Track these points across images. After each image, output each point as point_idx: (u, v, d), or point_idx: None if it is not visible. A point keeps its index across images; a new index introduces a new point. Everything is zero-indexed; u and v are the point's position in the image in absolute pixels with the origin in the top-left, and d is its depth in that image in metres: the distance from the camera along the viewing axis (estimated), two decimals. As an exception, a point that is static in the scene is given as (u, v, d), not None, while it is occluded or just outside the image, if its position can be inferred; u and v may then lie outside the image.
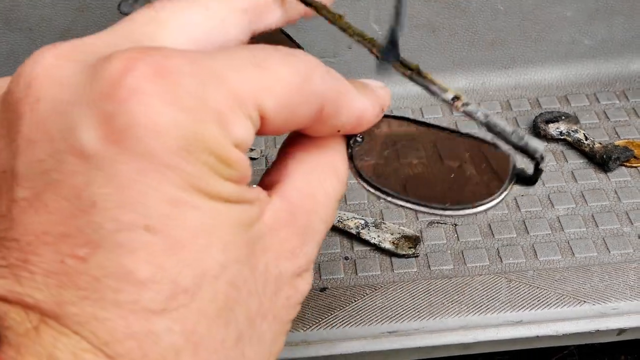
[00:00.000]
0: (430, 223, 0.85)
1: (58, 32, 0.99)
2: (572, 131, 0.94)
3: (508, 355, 0.98)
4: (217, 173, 0.33)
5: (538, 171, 0.45)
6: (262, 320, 0.36)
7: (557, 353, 0.96)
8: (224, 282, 0.33)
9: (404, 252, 0.81)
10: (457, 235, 0.84)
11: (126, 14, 0.66)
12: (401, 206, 0.46)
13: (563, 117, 0.96)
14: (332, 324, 0.75)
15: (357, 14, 1.00)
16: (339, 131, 0.41)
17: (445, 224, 0.85)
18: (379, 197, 0.47)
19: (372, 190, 0.46)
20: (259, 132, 0.36)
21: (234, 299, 0.34)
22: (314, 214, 0.39)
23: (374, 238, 0.82)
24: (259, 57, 0.36)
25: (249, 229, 0.35)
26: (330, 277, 0.80)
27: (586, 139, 0.92)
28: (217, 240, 0.33)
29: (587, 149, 0.92)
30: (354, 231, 0.83)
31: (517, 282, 0.78)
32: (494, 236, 0.83)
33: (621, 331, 0.75)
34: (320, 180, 0.40)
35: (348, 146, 0.46)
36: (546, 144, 0.95)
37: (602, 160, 0.90)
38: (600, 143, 0.92)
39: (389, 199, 0.46)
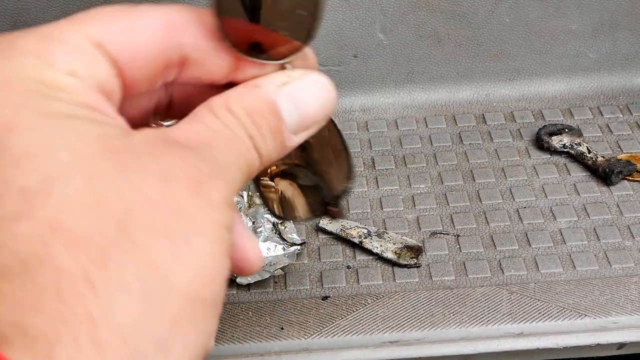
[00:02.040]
0: (433, 233, 0.86)
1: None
2: (575, 144, 0.94)
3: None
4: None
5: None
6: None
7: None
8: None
9: (406, 262, 0.82)
10: (459, 246, 0.84)
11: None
12: None
13: (566, 130, 0.96)
14: (333, 332, 0.76)
15: (364, 23, 1.00)
16: None
17: (448, 234, 0.85)
18: None
19: None
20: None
21: None
22: None
23: (377, 247, 0.82)
24: None
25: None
26: (332, 285, 0.81)
27: (589, 152, 0.93)
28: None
29: (589, 162, 0.92)
30: (356, 240, 0.83)
31: (519, 294, 0.78)
32: (496, 248, 0.84)
33: (621, 345, 0.76)
34: None
35: None
36: (549, 156, 0.95)
37: (604, 174, 0.90)
38: (603, 156, 0.92)
39: None
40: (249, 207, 0.87)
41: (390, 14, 1.00)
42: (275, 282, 0.81)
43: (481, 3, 1.00)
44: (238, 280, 0.80)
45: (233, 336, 0.76)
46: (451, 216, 0.88)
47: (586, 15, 1.01)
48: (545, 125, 0.98)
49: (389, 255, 0.82)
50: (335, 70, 1.04)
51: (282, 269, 0.81)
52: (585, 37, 1.03)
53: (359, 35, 1.02)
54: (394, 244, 0.83)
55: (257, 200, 0.88)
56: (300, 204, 0.48)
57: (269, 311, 0.78)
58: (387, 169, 0.95)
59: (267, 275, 0.80)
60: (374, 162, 0.96)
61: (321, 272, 0.82)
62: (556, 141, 0.95)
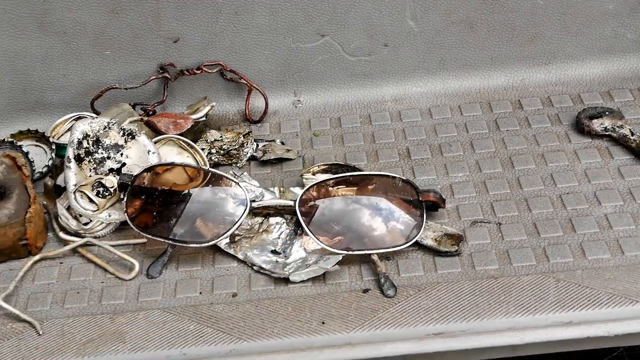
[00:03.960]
0: (474, 222, 0.83)
1: (92, 35, 0.98)
2: (617, 127, 0.91)
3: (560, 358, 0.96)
4: None
5: None
6: None
7: (605, 355, 0.93)
8: None
9: (446, 249, 0.79)
10: (502, 235, 0.82)
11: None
12: None
13: (607, 113, 0.94)
14: (376, 325, 0.74)
15: (394, 11, 0.98)
16: None
17: (489, 222, 0.83)
18: None
19: None
20: None
21: None
22: None
23: (416, 237, 0.80)
24: None
25: None
26: (372, 278, 0.78)
27: (632, 134, 0.90)
28: None
29: (633, 145, 0.89)
30: (395, 231, 0.81)
31: (566, 282, 0.76)
32: (539, 235, 0.81)
33: (674, 331, 0.73)
34: None
35: None
36: (590, 140, 0.92)
37: (649, 156, 0.87)
38: (646, 138, 0.89)
39: None
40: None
41: (420, 1, 0.98)
42: (316, 276, 0.79)
43: (514, -14, 0.97)
44: (291, 277, 0.78)
45: (273, 331, 0.74)
46: (492, 204, 0.85)
47: (623, -6, 0.99)
48: (584, 109, 0.95)
49: (429, 242, 0.80)
50: (365, 61, 1.02)
51: (338, 263, 0.79)
52: (622, 17, 1.00)
53: (389, 24, 0.99)
54: (434, 232, 0.81)
55: (290, 195, 0.86)
56: None
57: (308, 306, 0.76)
58: (423, 159, 0.93)
59: (321, 272, 0.78)
60: (409, 152, 0.94)
61: (360, 265, 0.80)
62: (597, 124, 0.92)
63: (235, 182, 0.83)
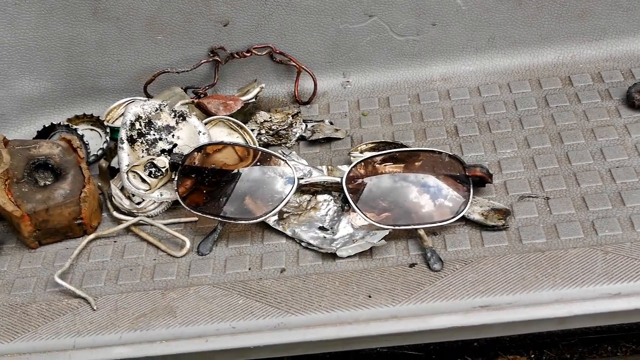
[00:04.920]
0: (521, 197, 0.83)
1: (145, 20, 1.00)
2: (669, 100, 0.90)
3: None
4: None
5: None
6: None
7: None
8: None
9: (493, 223, 0.79)
10: (550, 209, 0.81)
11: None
12: None
13: (658, 87, 0.93)
14: (422, 299, 0.74)
15: (441, -11, 0.98)
16: None
17: (537, 197, 0.83)
18: None
19: None
20: None
21: None
22: None
23: (463, 212, 0.80)
24: None
25: None
26: (419, 252, 0.79)
27: (684, 107, 0.89)
28: None
29: (685, 118, 0.88)
30: (442, 206, 0.81)
31: (614, 255, 0.75)
32: (588, 209, 0.81)
33: None
34: None
35: None
36: (641, 114, 0.92)
37: (701, 129, 0.86)
38: (699, 111, 0.88)
39: None
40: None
41: (468, -22, 0.98)
42: (363, 251, 0.79)
43: (563, -39, 0.96)
44: (339, 253, 0.79)
45: (320, 305, 0.75)
46: (540, 179, 0.85)
47: (675, -33, 0.97)
48: (635, 83, 0.94)
49: (476, 217, 0.80)
50: (413, 40, 1.02)
51: (384, 239, 0.79)
52: (674, -10, 0.99)
53: (437, 3, 1.00)
54: (481, 207, 0.81)
55: (338, 173, 0.87)
56: None
57: (355, 280, 0.77)
58: (471, 136, 0.93)
59: (368, 247, 0.79)
60: (457, 130, 0.94)
61: (407, 240, 0.80)
62: (647, 98, 0.91)
63: (283, 160, 0.84)
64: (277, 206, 0.82)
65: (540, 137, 0.91)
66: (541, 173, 0.86)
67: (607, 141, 0.89)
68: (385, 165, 0.84)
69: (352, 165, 0.83)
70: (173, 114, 0.91)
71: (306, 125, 0.96)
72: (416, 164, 0.84)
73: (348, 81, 1.03)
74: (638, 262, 0.74)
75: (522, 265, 0.76)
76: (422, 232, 0.79)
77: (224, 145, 0.87)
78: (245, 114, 0.97)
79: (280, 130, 0.95)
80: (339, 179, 0.83)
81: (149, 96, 1.02)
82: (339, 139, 0.95)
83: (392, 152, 0.84)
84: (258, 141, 0.94)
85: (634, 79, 0.97)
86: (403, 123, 0.97)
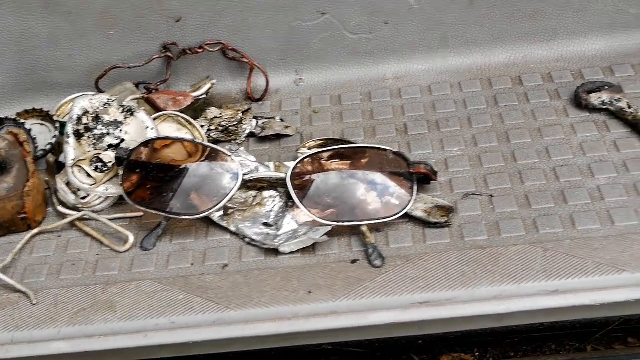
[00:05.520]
0: (466, 195, 0.83)
1: (97, 15, 1.00)
2: (615, 100, 0.91)
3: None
4: None
5: None
6: None
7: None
8: None
9: (435, 220, 0.80)
10: (493, 207, 0.82)
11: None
12: None
13: (606, 87, 0.93)
14: (362, 294, 0.74)
15: (394, -12, 0.98)
16: None
17: (481, 195, 0.83)
18: None
19: None
20: None
21: None
22: None
23: (407, 209, 0.81)
24: None
25: None
26: (362, 249, 0.79)
27: (629, 107, 0.89)
28: None
29: (630, 118, 0.89)
30: (386, 203, 0.81)
31: (554, 252, 0.76)
32: (531, 206, 0.81)
33: (664, 301, 0.72)
34: None
35: None
36: (588, 114, 0.92)
37: (645, 129, 0.87)
38: (643, 111, 0.89)
39: None
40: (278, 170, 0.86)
41: (420, -23, 0.98)
42: (305, 247, 0.79)
43: (513, -39, 0.97)
44: (281, 248, 0.79)
45: (260, 301, 0.75)
46: (485, 177, 0.85)
47: (624, -32, 0.98)
48: (583, 84, 0.94)
49: (419, 213, 0.80)
50: (366, 39, 1.02)
51: (327, 235, 0.79)
52: (624, -8, 0.99)
53: (390, 1, 1.00)
54: (425, 204, 0.81)
55: (284, 169, 0.87)
56: None
57: (297, 276, 0.77)
58: (420, 134, 0.93)
59: (310, 243, 0.79)
60: (406, 128, 0.94)
61: (350, 237, 0.80)
62: (594, 98, 0.92)
63: (229, 155, 0.84)
64: (220, 202, 0.81)
65: (488, 136, 0.91)
66: (487, 171, 0.86)
67: (553, 140, 0.89)
68: (331, 162, 0.84)
69: (296, 161, 0.83)
70: (121, 109, 0.90)
71: (257, 122, 0.96)
72: (362, 161, 0.84)
73: (301, 79, 1.03)
74: (576, 260, 0.74)
75: (462, 262, 0.76)
76: (364, 229, 0.79)
77: (169, 140, 0.87)
78: (196, 110, 0.97)
79: (230, 126, 0.95)
80: (284, 175, 0.83)
81: (100, 91, 1.01)
82: (289, 135, 0.95)
83: (337, 148, 0.85)
84: (208, 137, 0.94)
85: (584, 80, 0.98)
86: (353, 121, 0.97)
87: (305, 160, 0.84)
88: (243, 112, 0.96)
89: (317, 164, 0.84)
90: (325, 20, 1.01)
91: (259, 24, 1.01)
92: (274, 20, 1.01)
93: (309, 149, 0.90)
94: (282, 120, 0.97)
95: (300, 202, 0.81)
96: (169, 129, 0.93)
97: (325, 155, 0.84)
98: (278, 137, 0.95)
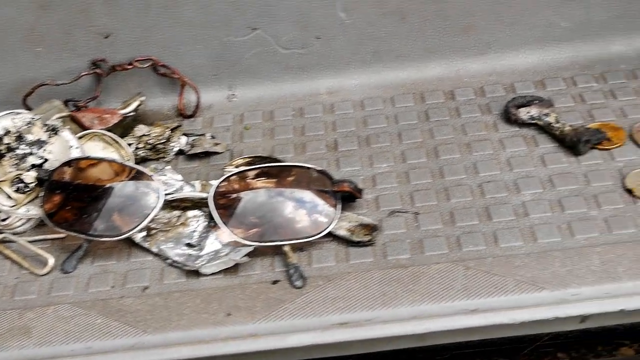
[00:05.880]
0: (391, 212, 0.83)
1: (23, 31, 0.98)
2: (544, 115, 0.90)
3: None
4: None
5: None
6: None
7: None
8: None
9: (359, 239, 0.79)
10: (418, 224, 0.81)
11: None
12: None
13: (536, 101, 0.93)
14: (281, 316, 0.73)
15: (324, 2, 0.98)
16: None
17: (407, 212, 0.82)
18: None
19: None
20: None
21: None
22: None
23: (331, 228, 0.80)
24: None
25: None
26: (284, 269, 0.78)
27: (557, 122, 0.89)
28: None
29: (557, 132, 0.89)
30: (310, 222, 0.81)
31: (475, 270, 0.75)
32: (455, 224, 0.80)
33: (584, 318, 0.72)
34: None
35: None
36: (518, 128, 0.92)
37: (571, 144, 0.87)
38: (570, 126, 0.89)
39: None
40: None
41: (351, -9, 0.98)
42: (227, 268, 0.78)
43: (444, -25, 0.97)
44: (202, 270, 0.78)
45: (179, 324, 0.74)
46: (411, 194, 0.85)
47: (554, -18, 0.98)
48: (513, 98, 0.94)
49: (342, 232, 0.80)
50: (299, 54, 1.01)
51: (247, 255, 0.78)
52: (555, 5, 0.99)
53: (321, 16, 0.99)
54: (349, 222, 0.81)
55: (210, 188, 0.86)
56: None
57: (217, 298, 0.76)
58: (349, 150, 0.92)
59: (232, 264, 0.78)
60: (336, 144, 0.93)
61: (273, 257, 0.79)
62: (523, 113, 0.92)
63: (149, 175, 0.82)
64: (141, 223, 0.80)
65: (417, 152, 0.90)
66: (414, 188, 0.86)
67: (481, 155, 0.89)
68: (256, 181, 0.83)
69: (219, 180, 0.82)
70: (45, 127, 0.89)
71: (187, 139, 0.95)
72: (287, 179, 0.83)
73: (234, 94, 1.02)
74: (497, 278, 0.74)
75: (383, 281, 0.75)
76: (287, 249, 0.79)
77: (91, 160, 0.85)
78: (125, 127, 0.96)
79: (158, 144, 0.93)
80: (206, 195, 0.82)
81: (29, 109, 1.00)
82: (219, 153, 0.94)
83: (261, 167, 0.84)
84: (135, 156, 0.92)
85: (515, 94, 0.97)
86: (284, 137, 0.96)
87: (229, 179, 0.83)
88: (171, 130, 0.95)
89: (241, 182, 0.83)
90: (256, 36, 1.00)
91: (190, 40, 1.00)
92: (205, 36, 1.00)
93: (237, 166, 0.89)
94: (212, 137, 0.96)
95: (223, 221, 0.80)
96: (95, 148, 0.91)
97: (250, 173, 0.83)
98: (208, 154, 0.94)
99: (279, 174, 0.84)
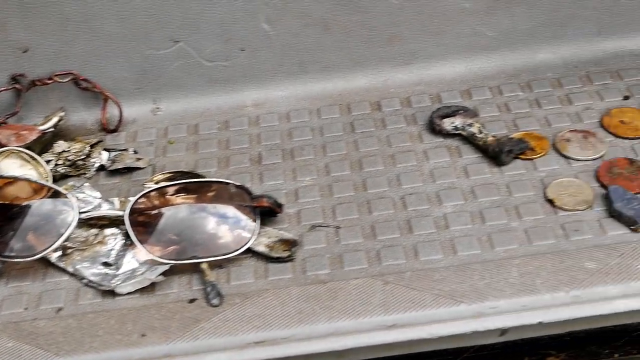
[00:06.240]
0: (313, 227, 0.82)
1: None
2: (467, 125, 0.90)
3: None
4: None
5: None
6: None
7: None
8: None
9: (277, 255, 0.78)
10: (339, 238, 0.80)
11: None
12: None
13: (461, 111, 0.93)
14: (196, 336, 0.72)
15: (247, 14, 0.97)
16: None
17: (328, 226, 0.81)
18: None
19: None
20: None
21: None
22: None
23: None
24: None
25: None
26: (202, 287, 0.76)
27: (480, 132, 0.89)
28: None
29: (480, 143, 0.88)
30: (229, 238, 0.79)
31: (394, 285, 0.74)
32: (376, 237, 0.80)
33: (503, 331, 0.71)
34: None
35: None
36: (442, 139, 0.91)
37: (494, 154, 0.86)
38: (494, 136, 0.88)
39: None
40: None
41: (273, 4, 0.97)
42: (143, 287, 0.77)
43: (366, -15, 0.96)
44: (117, 289, 0.76)
45: (91, 346, 0.72)
46: (334, 208, 0.84)
47: (478, -9, 0.97)
48: (438, 108, 0.94)
49: (261, 248, 0.78)
50: (223, 66, 1.00)
51: (163, 274, 0.77)
52: (480, 14, 0.99)
53: (244, 28, 0.98)
54: (269, 237, 0.79)
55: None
56: None
57: (132, 318, 0.74)
58: (273, 164, 0.91)
59: (147, 283, 0.76)
60: (260, 158, 0.92)
61: (192, 275, 0.78)
62: (447, 123, 0.91)
63: (64, 193, 0.80)
64: (55, 242, 0.78)
65: (341, 164, 0.89)
66: (336, 201, 0.85)
67: (405, 167, 0.88)
68: (174, 196, 0.82)
69: (136, 197, 0.80)
70: (-41, 145, 0.86)
71: (109, 154, 0.93)
72: (206, 195, 0.82)
73: (158, 108, 1.01)
74: (415, 292, 0.73)
75: (301, 298, 0.74)
76: (204, 266, 0.77)
77: (6, 179, 0.83)
78: (44, 143, 0.94)
79: (78, 160, 0.91)
80: (122, 212, 0.80)
81: (-54, 126, 0.97)
82: (141, 168, 0.92)
83: (179, 183, 0.82)
84: (55, 172, 0.90)
85: (441, 103, 0.97)
86: (208, 151, 0.94)
87: (147, 195, 0.81)
88: (92, 145, 0.93)
89: (160, 199, 0.81)
90: (179, 48, 0.98)
91: (111, 53, 0.98)
92: (126, 49, 0.98)
93: (157, 182, 0.87)
94: (135, 152, 0.94)
95: (139, 239, 0.78)
96: (12, 166, 0.89)
97: (169, 189, 0.82)
98: (130, 170, 0.92)
99: (198, 189, 0.82)
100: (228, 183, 0.81)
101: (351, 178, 0.87)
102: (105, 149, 0.94)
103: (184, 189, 0.82)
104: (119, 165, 0.92)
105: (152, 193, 0.81)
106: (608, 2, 0.99)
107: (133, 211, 0.80)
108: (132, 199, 0.82)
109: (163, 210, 0.81)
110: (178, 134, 0.98)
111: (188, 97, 1.01)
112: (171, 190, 0.82)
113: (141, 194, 0.81)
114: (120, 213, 0.80)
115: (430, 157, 0.89)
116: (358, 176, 0.88)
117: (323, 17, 0.98)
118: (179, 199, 0.82)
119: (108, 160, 0.93)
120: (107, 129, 0.99)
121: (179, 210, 0.81)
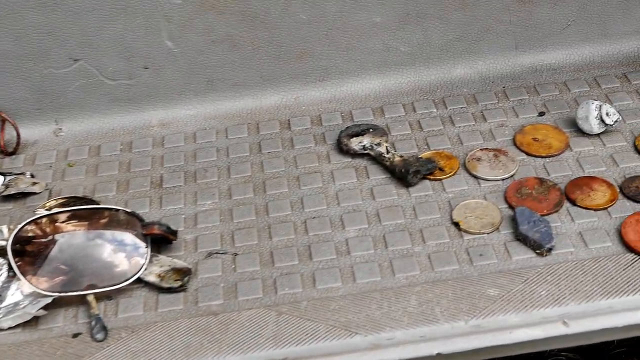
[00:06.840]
0: (209, 254, 0.78)
1: None
2: (375, 144, 0.87)
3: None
4: None
5: None
6: None
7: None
8: None
9: (168, 285, 0.74)
10: (235, 266, 0.76)
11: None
12: None
13: (370, 130, 0.90)
14: (76, 374, 0.68)
15: (148, 31, 0.93)
16: None
17: (225, 253, 0.78)
18: None
19: None
20: None
21: None
22: None
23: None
24: None
25: None
26: (88, 320, 0.72)
27: (387, 152, 0.86)
28: None
29: (387, 163, 0.85)
30: (120, 268, 0.75)
31: (288, 315, 0.71)
32: (274, 265, 0.76)
33: (393, 364, 0.68)
34: None
35: None
36: (351, 159, 0.88)
37: (401, 175, 0.83)
38: (401, 156, 0.85)
39: None
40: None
41: (175, 20, 0.93)
42: (25, 321, 0.72)
43: (272, 1, 0.92)
44: None
45: (-36, 388, 0.67)
46: (233, 233, 0.80)
47: (388, 6, 0.95)
48: (347, 127, 0.91)
49: (152, 278, 0.74)
50: (127, 85, 0.96)
51: (44, 307, 0.73)
52: (392, 29, 0.96)
53: (146, 45, 0.94)
54: (161, 267, 0.76)
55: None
56: None
57: (11, 355, 0.70)
58: (174, 187, 0.87)
59: (29, 317, 0.72)
60: (162, 180, 0.88)
61: (78, 308, 0.74)
62: (355, 143, 0.88)
63: (-57, 223, 0.76)
64: None
65: (245, 187, 0.86)
66: (236, 226, 0.81)
67: (310, 189, 0.85)
68: (64, 224, 0.78)
69: (20, 225, 0.76)
70: None
71: (3, 179, 0.89)
72: (97, 222, 0.78)
73: (60, 128, 0.97)
74: (309, 323, 0.70)
75: (190, 331, 0.70)
76: (90, 298, 0.73)
77: None
78: None
79: (-32, 186, 0.87)
80: (3, 242, 0.76)
81: None
82: (36, 193, 0.88)
83: (68, 210, 0.78)
84: (-56, 199, 0.86)
85: (353, 121, 0.94)
86: (108, 174, 0.90)
87: (35, 222, 0.77)
88: (-16, 170, 0.88)
89: (49, 226, 0.77)
90: (79, 67, 0.94)
91: (6, 72, 0.94)
92: (23, 68, 0.94)
93: (49, 209, 0.83)
94: (32, 175, 0.90)
95: (21, 271, 0.74)
96: None
97: (60, 217, 0.78)
98: (25, 195, 0.88)
99: (89, 216, 0.78)
100: (118, 210, 0.77)
101: (253, 201, 0.84)
102: (0, 173, 0.89)
103: (74, 216, 0.78)
104: (13, 191, 0.87)
105: (40, 220, 0.77)
106: (523, 15, 0.97)
107: (17, 240, 0.75)
108: (17, 227, 0.77)
109: (51, 238, 0.77)
110: (79, 156, 0.94)
111: (92, 118, 0.97)
112: (62, 217, 0.78)
113: (25, 222, 0.77)
114: (2, 243, 0.76)
115: (337, 179, 0.85)
116: (261, 199, 0.84)
117: (229, 33, 0.94)
118: (69, 226, 0.78)
119: (2, 185, 0.88)
120: (5, 151, 0.95)
121: (68, 238, 0.77)
